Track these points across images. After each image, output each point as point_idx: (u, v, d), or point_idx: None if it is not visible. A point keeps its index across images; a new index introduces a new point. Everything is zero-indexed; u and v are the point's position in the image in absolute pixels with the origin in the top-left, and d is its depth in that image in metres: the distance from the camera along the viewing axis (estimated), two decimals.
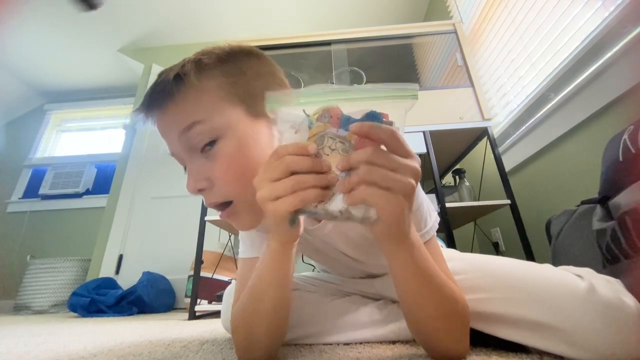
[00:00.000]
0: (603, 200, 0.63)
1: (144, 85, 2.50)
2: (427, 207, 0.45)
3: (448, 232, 1.08)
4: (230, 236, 1.55)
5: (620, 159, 0.59)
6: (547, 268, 0.39)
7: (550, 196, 1.13)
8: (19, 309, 1.96)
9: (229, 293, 0.60)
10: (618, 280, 0.37)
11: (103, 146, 2.98)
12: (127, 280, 1.82)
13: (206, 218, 1.26)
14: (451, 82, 1.43)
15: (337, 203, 0.27)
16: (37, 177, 2.80)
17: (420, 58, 1.69)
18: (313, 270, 0.80)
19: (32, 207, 2.67)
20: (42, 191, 2.67)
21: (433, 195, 1.15)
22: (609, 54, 0.85)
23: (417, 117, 1.26)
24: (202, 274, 1.35)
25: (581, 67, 0.95)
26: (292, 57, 1.53)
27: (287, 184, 0.27)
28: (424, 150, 1.20)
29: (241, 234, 0.53)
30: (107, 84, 3.04)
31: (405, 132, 1.51)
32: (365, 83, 1.50)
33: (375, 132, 0.27)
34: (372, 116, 0.27)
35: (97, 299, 1.53)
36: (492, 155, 1.19)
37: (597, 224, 0.61)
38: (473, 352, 0.39)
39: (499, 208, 1.17)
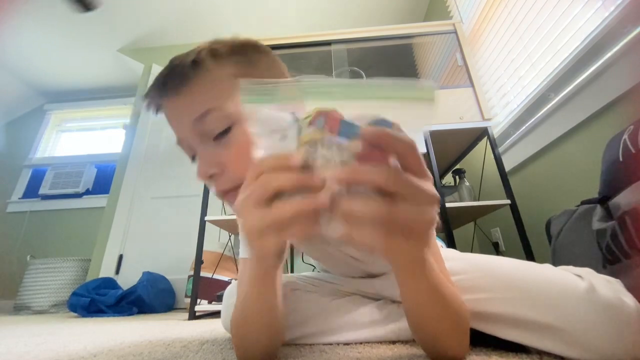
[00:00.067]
0: (603, 200, 0.63)
1: (144, 85, 2.50)
2: None
3: (448, 232, 1.08)
4: (230, 236, 1.55)
5: (620, 159, 0.59)
6: (547, 268, 0.39)
7: (550, 196, 1.13)
8: (19, 309, 1.96)
9: (229, 293, 0.61)
10: (618, 280, 0.37)
11: (103, 146, 2.98)
12: (127, 280, 1.82)
13: (206, 218, 1.25)
14: (451, 82, 1.43)
15: (335, 227, 0.22)
16: (37, 177, 2.80)
17: (420, 58, 1.69)
18: (313, 270, 0.80)
19: (32, 207, 2.67)
20: (42, 191, 2.67)
21: None
22: (609, 54, 0.85)
23: None
24: (202, 274, 1.35)
25: (581, 67, 0.95)
26: (292, 57, 1.53)
27: (270, 218, 0.23)
28: (424, 150, 1.20)
29: (241, 233, 0.53)
30: (107, 84, 3.04)
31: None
32: None
33: (392, 142, 0.22)
34: (381, 122, 0.23)
35: (97, 299, 1.53)
36: (492, 155, 1.19)
37: (597, 224, 0.61)
38: (473, 352, 0.39)
39: (499, 208, 1.17)
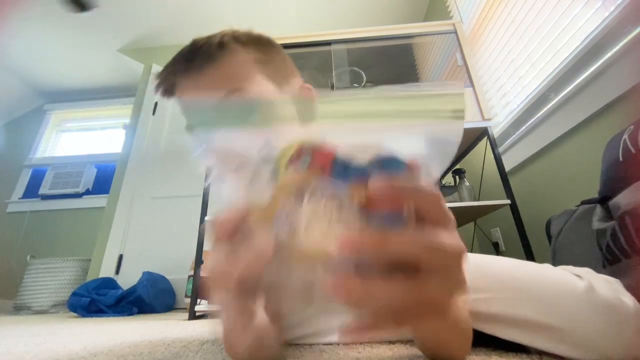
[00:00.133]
0: (603, 200, 0.63)
1: (144, 85, 2.50)
2: None
3: None
4: None
5: (620, 159, 0.59)
6: (546, 268, 0.39)
7: (550, 196, 1.13)
8: (19, 309, 1.96)
9: None
10: (617, 280, 0.37)
11: (103, 146, 2.98)
12: (127, 280, 1.82)
13: (206, 218, 1.26)
14: None
15: (335, 314, 0.16)
16: (37, 177, 2.80)
17: (420, 58, 1.69)
18: None
19: (32, 207, 2.67)
20: (42, 191, 2.66)
21: None
22: (609, 54, 0.85)
23: None
24: (202, 274, 1.35)
25: (581, 67, 0.95)
26: (292, 57, 1.52)
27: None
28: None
29: None
30: (107, 84, 3.04)
31: None
32: (365, 83, 1.50)
33: (412, 197, 0.17)
34: (391, 163, 0.16)
35: (97, 299, 1.53)
36: (492, 155, 1.19)
37: (597, 224, 0.61)
38: (473, 352, 0.39)
39: (499, 208, 1.17)
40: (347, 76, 1.51)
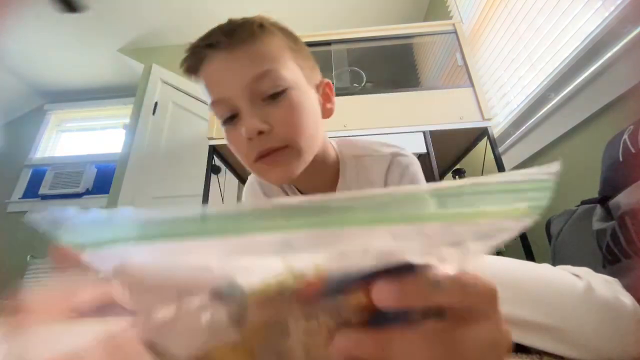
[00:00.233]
0: (603, 200, 0.63)
1: (144, 85, 2.50)
2: None
3: None
4: None
5: (620, 159, 0.59)
6: (545, 268, 0.39)
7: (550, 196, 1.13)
8: None
9: None
10: (616, 280, 0.37)
11: (103, 146, 2.98)
12: None
13: None
14: (451, 82, 1.43)
15: None
16: (37, 177, 2.80)
17: (420, 58, 1.69)
18: None
19: (32, 207, 2.66)
20: (42, 191, 2.66)
21: None
22: (609, 54, 0.85)
23: (417, 117, 1.26)
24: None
25: (581, 67, 0.95)
26: None
27: None
28: (424, 150, 1.20)
29: None
30: (107, 84, 3.04)
31: (405, 133, 1.48)
32: (365, 83, 1.50)
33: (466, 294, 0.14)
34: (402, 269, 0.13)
35: None
36: (492, 155, 1.19)
37: (597, 224, 0.61)
38: None
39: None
40: (347, 76, 1.51)
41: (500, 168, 1.16)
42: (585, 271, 0.38)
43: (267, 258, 0.13)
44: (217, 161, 1.41)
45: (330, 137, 0.54)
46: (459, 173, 1.34)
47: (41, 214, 0.12)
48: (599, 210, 0.63)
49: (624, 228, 0.53)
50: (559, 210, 0.79)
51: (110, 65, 2.81)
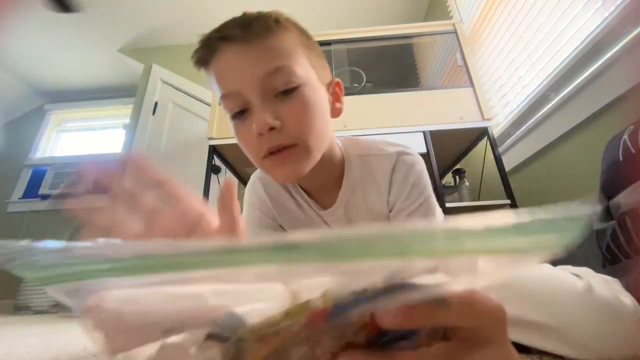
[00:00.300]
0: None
1: (144, 85, 2.50)
2: (434, 199, 0.46)
3: None
4: None
5: (621, 159, 0.59)
6: (545, 268, 0.39)
7: (550, 196, 1.13)
8: (19, 309, 1.96)
9: None
10: (616, 280, 0.37)
11: (103, 146, 2.98)
12: None
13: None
14: (451, 82, 1.43)
15: None
16: (37, 177, 2.80)
17: (420, 58, 1.69)
18: None
19: (32, 207, 2.66)
20: (42, 191, 2.66)
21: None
22: (609, 54, 0.85)
23: (417, 117, 1.26)
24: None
25: (581, 67, 0.95)
26: None
27: None
28: (424, 150, 1.20)
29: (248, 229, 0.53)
30: (107, 84, 3.04)
31: (405, 133, 1.48)
32: (365, 83, 1.49)
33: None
34: (405, 288, 0.12)
35: None
36: (492, 155, 1.19)
37: (597, 224, 0.61)
38: None
39: (499, 208, 1.17)
40: (347, 76, 1.51)
41: (500, 168, 1.16)
42: (585, 271, 0.38)
43: (269, 284, 0.12)
44: (217, 161, 1.41)
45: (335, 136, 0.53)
46: (459, 173, 1.34)
47: None
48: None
49: (624, 228, 0.53)
50: None
51: (110, 65, 2.81)
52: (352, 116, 1.26)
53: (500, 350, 0.14)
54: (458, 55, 1.39)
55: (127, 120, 2.52)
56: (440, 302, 0.12)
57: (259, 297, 0.12)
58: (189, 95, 2.40)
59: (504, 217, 0.11)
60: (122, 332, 0.12)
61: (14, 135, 3.02)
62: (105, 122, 3.14)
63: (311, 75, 0.41)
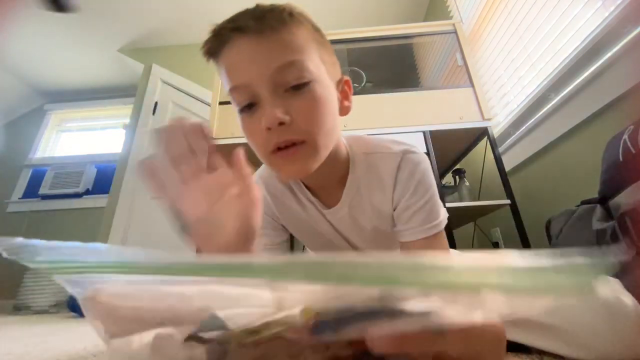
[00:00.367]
0: (603, 200, 0.63)
1: (144, 85, 2.50)
2: (438, 199, 0.46)
3: (448, 232, 1.08)
4: None
5: (620, 159, 0.59)
6: None
7: (550, 196, 1.13)
8: (19, 309, 1.96)
9: None
10: (617, 280, 0.37)
11: (103, 146, 2.98)
12: None
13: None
14: (451, 82, 1.43)
15: None
16: (37, 177, 2.80)
17: (420, 58, 1.69)
18: None
19: (32, 207, 2.66)
20: (42, 191, 2.66)
21: None
22: (609, 54, 0.85)
23: (417, 117, 1.26)
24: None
25: (581, 67, 0.95)
26: None
27: None
28: (424, 150, 1.19)
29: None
30: (107, 84, 3.04)
31: (405, 133, 1.48)
32: (365, 83, 1.50)
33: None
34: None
35: None
36: (492, 155, 1.19)
37: (597, 224, 0.61)
38: None
39: (499, 208, 1.17)
40: (347, 76, 1.50)
41: (500, 168, 1.16)
42: None
43: (255, 290, 0.12)
44: None
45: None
46: (459, 173, 1.34)
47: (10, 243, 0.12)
48: (599, 210, 0.63)
49: (624, 228, 0.53)
50: (559, 210, 0.79)
51: (110, 65, 2.81)
52: (352, 116, 1.25)
53: None
54: (458, 55, 1.39)
55: (127, 120, 2.51)
56: (438, 332, 0.12)
57: (243, 302, 0.13)
58: (189, 95, 2.40)
59: (507, 259, 0.11)
60: (115, 322, 0.13)
61: (14, 135, 3.02)
62: (105, 122, 3.14)
63: (322, 71, 0.41)
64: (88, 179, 2.73)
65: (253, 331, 0.12)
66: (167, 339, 0.13)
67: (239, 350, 0.12)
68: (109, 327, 0.14)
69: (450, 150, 1.44)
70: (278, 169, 0.41)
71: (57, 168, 2.76)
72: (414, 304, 0.12)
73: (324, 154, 0.41)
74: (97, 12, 2.32)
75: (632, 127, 0.59)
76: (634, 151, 0.56)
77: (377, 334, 0.11)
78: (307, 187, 0.51)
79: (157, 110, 2.40)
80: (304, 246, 0.69)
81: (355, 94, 1.50)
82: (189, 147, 0.30)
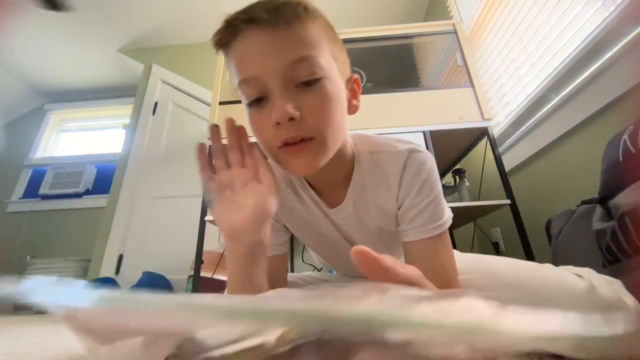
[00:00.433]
0: (603, 200, 0.63)
1: (144, 85, 2.50)
2: (443, 198, 0.46)
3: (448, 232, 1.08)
4: None
5: (620, 159, 0.59)
6: (547, 268, 0.39)
7: (550, 196, 1.13)
8: (19, 309, 1.96)
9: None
10: (618, 280, 0.37)
11: (103, 146, 2.98)
12: (127, 280, 1.82)
13: (206, 218, 1.25)
14: (451, 82, 1.43)
15: None
16: (37, 177, 2.80)
17: (420, 58, 1.69)
18: (313, 270, 0.80)
19: (32, 207, 2.66)
20: (42, 191, 2.66)
21: None
22: (609, 54, 0.85)
23: (417, 117, 1.26)
24: (202, 274, 1.35)
25: (581, 67, 0.95)
26: None
27: None
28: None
29: None
30: (107, 84, 3.04)
31: (405, 133, 1.48)
32: (365, 83, 1.50)
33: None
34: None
35: None
36: (492, 155, 1.19)
37: (597, 224, 0.61)
38: None
39: (499, 208, 1.17)
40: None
41: (500, 168, 1.16)
42: (587, 272, 0.38)
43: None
44: None
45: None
46: (459, 173, 1.34)
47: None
48: (599, 210, 0.63)
49: (624, 228, 0.53)
50: (559, 210, 0.79)
51: (110, 65, 2.81)
52: (352, 116, 1.26)
53: None
54: (458, 55, 1.39)
55: (127, 120, 2.51)
56: None
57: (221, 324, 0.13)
58: (189, 95, 2.40)
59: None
60: (97, 335, 0.14)
61: (14, 135, 3.02)
62: (105, 122, 3.14)
63: (333, 68, 0.40)
64: (88, 179, 2.73)
65: (228, 358, 0.12)
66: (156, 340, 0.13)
67: None
68: (91, 339, 0.15)
69: (450, 150, 1.44)
70: (285, 165, 0.40)
71: (57, 168, 2.76)
72: (397, 332, 0.11)
73: (332, 151, 0.41)
74: (97, 12, 2.32)
75: (632, 127, 0.59)
76: (634, 151, 0.56)
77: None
78: (310, 186, 0.51)
79: (157, 110, 2.40)
80: (304, 246, 0.69)
81: None
82: (239, 143, 0.43)
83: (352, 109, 0.46)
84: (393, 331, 0.11)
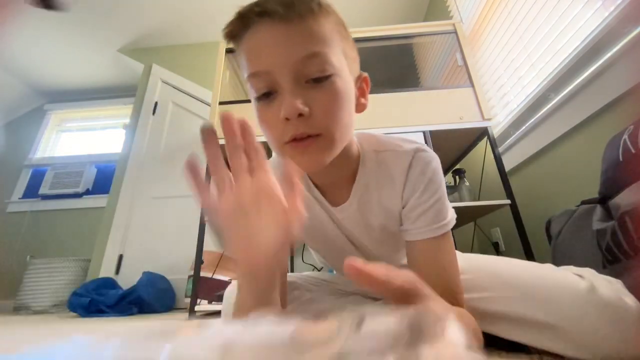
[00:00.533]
0: (603, 200, 0.63)
1: (144, 85, 2.50)
2: (447, 199, 0.46)
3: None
4: None
5: (620, 159, 0.59)
6: (548, 268, 0.39)
7: (550, 196, 1.13)
8: (19, 309, 1.96)
9: (229, 293, 0.61)
10: (619, 280, 0.37)
11: (103, 146, 2.98)
12: (127, 280, 1.82)
13: (206, 218, 1.26)
14: (451, 82, 1.43)
15: None
16: (37, 177, 2.80)
17: (420, 58, 1.69)
18: (313, 270, 0.80)
19: (32, 207, 2.66)
20: (42, 191, 2.66)
21: None
22: (609, 54, 0.85)
23: (417, 117, 1.26)
24: (202, 274, 1.35)
25: (581, 67, 0.95)
26: None
27: None
28: None
29: None
30: (107, 84, 3.04)
31: (405, 133, 1.49)
32: None
33: None
34: None
35: (97, 299, 1.53)
36: (492, 155, 1.19)
37: (597, 224, 0.61)
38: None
39: (499, 208, 1.17)
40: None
41: (500, 168, 1.16)
42: (588, 272, 0.38)
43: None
44: None
45: None
46: (459, 173, 1.34)
47: None
48: (599, 210, 0.63)
49: (624, 228, 0.53)
50: (559, 210, 0.79)
51: (110, 65, 2.81)
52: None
53: None
54: (458, 55, 1.39)
55: (127, 120, 2.51)
56: None
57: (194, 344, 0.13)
58: (189, 95, 2.40)
59: None
60: None
61: (14, 135, 3.02)
62: (105, 122, 3.14)
63: (344, 66, 0.40)
64: (88, 179, 2.73)
65: None
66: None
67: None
68: None
69: (450, 150, 1.44)
70: (291, 160, 0.40)
71: (57, 168, 2.76)
72: None
73: (339, 148, 0.41)
74: (97, 12, 2.32)
75: (632, 127, 0.59)
76: (634, 151, 0.56)
77: None
78: (314, 183, 0.50)
79: (157, 110, 2.40)
80: (304, 246, 0.69)
81: None
82: (241, 143, 0.33)
83: (360, 107, 0.46)
84: None
